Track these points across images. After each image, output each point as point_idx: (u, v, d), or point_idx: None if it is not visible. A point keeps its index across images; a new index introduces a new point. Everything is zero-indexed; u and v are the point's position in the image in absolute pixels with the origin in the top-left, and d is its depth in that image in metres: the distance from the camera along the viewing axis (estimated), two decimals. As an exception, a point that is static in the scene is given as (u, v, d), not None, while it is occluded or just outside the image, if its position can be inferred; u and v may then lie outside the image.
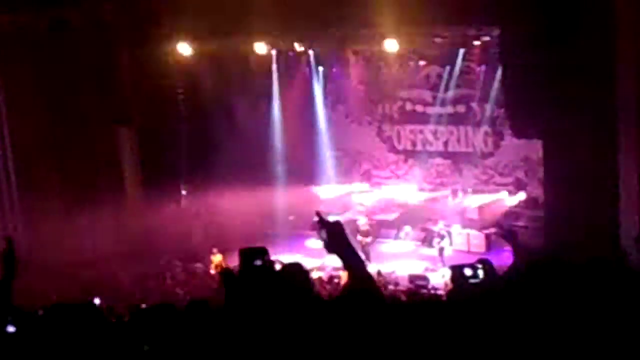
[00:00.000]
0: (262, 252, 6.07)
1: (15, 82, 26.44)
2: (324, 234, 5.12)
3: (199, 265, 27.83)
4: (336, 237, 5.13)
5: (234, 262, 25.49)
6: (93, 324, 5.79)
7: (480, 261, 6.83)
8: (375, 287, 5.41)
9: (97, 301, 15.11)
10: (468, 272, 6.62)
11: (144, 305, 14.63)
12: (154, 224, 27.01)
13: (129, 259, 27.06)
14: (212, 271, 27.01)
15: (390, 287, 22.57)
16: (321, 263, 23.49)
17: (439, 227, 27.32)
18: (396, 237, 28.54)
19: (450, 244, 27.17)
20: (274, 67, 29.61)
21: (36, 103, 26.68)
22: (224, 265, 27.20)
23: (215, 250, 27.35)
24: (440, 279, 23.28)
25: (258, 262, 5.88)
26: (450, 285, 17.21)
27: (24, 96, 26.50)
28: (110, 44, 26.78)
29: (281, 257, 17.24)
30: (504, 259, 10.10)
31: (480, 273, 6.57)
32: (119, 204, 28.20)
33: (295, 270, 5.55)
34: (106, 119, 27.61)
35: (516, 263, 7.49)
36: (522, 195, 27.85)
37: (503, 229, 8.12)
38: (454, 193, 29.30)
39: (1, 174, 27.23)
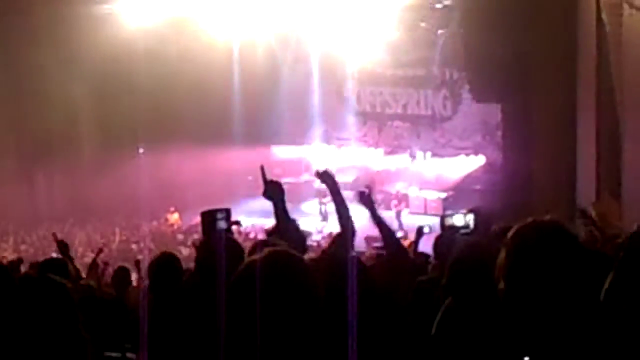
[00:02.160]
0: (225, 213, 5.89)
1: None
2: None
3: (154, 223, 27.71)
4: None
5: (190, 220, 25.55)
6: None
7: (472, 210, 6.54)
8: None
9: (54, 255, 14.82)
10: (459, 221, 6.34)
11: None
12: (110, 182, 26.77)
13: (85, 217, 26.88)
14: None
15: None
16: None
17: (397, 189, 27.33)
18: (353, 200, 28.45)
19: (408, 206, 27.24)
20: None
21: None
22: (180, 224, 27.13)
23: (172, 208, 27.21)
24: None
25: (222, 225, 5.71)
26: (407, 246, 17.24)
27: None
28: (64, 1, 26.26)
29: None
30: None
31: (471, 223, 6.30)
32: (75, 163, 27.87)
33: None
34: (63, 77, 27.15)
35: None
36: (480, 159, 27.93)
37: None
38: (412, 156, 29.33)
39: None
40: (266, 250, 3.00)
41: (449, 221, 6.40)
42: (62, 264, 5.92)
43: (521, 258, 2.98)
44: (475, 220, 6.29)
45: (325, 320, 3.08)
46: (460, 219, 6.32)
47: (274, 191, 5.45)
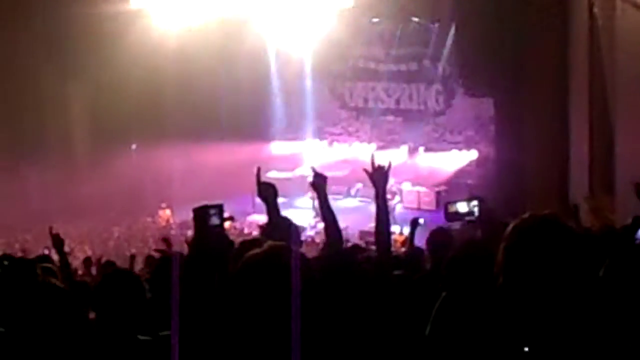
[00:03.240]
0: (218, 208, 5.84)
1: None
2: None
3: (148, 219, 27.68)
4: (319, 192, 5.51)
5: (182, 217, 25.52)
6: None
7: (475, 197, 6.54)
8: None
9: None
10: (463, 208, 6.33)
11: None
12: (104, 179, 26.72)
13: (78, 214, 26.78)
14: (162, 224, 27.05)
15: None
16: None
17: (390, 184, 27.31)
18: (347, 194, 28.46)
19: (401, 201, 27.23)
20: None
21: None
22: (172, 220, 27.10)
23: (164, 205, 27.18)
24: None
25: (215, 221, 5.66)
26: (401, 241, 17.19)
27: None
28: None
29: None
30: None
31: (476, 210, 6.28)
32: (68, 159, 27.82)
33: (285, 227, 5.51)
34: (56, 73, 27.08)
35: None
36: (473, 153, 27.92)
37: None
38: (411, 151, 29.33)
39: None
40: (267, 245, 3.03)
41: (453, 208, 6.38)
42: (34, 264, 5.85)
43: (519, 252, 3.01)
44: (480, 207, 6.29)
45: (322, 312, 3.10)
46: (464, 206, 6.31)
47: (267, 192, 5.61)
